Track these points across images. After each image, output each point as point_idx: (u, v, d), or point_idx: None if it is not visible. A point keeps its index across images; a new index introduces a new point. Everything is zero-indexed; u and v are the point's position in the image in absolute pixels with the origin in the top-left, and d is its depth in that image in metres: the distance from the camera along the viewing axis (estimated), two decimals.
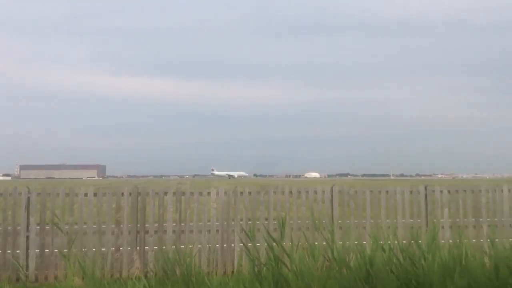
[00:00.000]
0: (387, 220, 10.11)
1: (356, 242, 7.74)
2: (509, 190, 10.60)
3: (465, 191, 10.53)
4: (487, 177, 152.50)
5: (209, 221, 9.67)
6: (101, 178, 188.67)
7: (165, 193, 9.62)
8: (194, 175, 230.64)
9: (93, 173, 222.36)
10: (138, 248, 9.29)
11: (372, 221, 10.12)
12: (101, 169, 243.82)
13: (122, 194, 9.45)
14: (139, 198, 9.47)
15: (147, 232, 9.43)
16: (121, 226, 9.34)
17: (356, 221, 10.11)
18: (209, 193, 9.77)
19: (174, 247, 8.78)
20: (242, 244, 8.91)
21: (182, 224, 9.54)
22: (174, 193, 9.64)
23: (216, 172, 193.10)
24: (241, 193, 9.86)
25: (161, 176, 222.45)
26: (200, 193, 9.76)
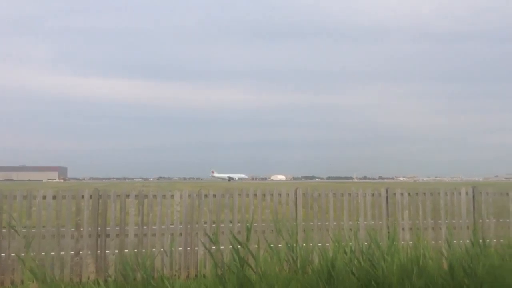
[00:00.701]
0: (350, 222, 10.26)
1: (319, 244, 7.83)
2: (466, 193, 10.95)
3: (424, 193, 10.81)
4: (447, 180, 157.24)
5: (172, 224, 9.54)
6: (62, 180, 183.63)
7: (127, 196, 9.43)
8: (159, 178, 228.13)
9: (54, 175, 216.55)
10: (99, 252, 9.08)
11: (335, 223, 10.24)
12: (62, 171, 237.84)
13: (83, 196, 9.21)
14: (100, 201, 9.26)
15: (108, 235, 9.23)
16: (81, 229, 9.10)
17: (319, 223, 10.20)
18: (172, 196, 9.65)
19: (135, 250, 8.64)
20: (213, 247, 8.84)
21: (145, 227, 9.38)
22: (136, 196, 9.47)
23: (216, 175, 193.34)
24: (206, 195, 9.79)
25: (124, 178, 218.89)
26: (164, 196, 9.63)
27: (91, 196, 9.22)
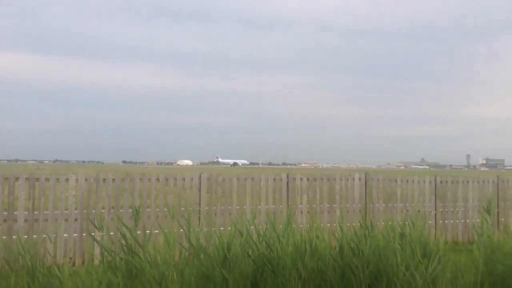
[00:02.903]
0: (251, 206, 10.47)
1: (222, 228, 7.89)
2: (359, 179, 11.67)
3: (322, 179, 11.35)
4: (344, 167, 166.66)
5: (66, 209, 9.06)
6: None
7: (17, 179, 8.77)
8: (55, 161, 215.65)
9: None
10: None
11: (238, 207, 10.39)
12: None
13: None
14: None
15: None
16: None
17: (222, 207, 10.29)
18: (67, 179, 9.14)
19: (25, 237, 8.09)
20: (102, 234, 8.51)
21: (36, 212, 8.80)
22: (27, 179, 8.84)
23: (220, 160, 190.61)
24: (104, 179, 9.40)
25: (16, 160, 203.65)
26: (57, 179, 9.08)
27: None
